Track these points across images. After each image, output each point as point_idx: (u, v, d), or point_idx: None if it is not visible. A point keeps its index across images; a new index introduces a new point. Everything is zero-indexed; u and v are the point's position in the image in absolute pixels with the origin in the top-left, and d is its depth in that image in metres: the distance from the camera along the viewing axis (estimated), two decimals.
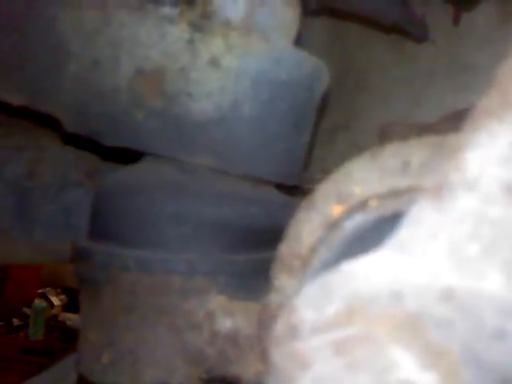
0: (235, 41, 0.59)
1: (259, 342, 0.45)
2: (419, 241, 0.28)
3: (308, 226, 0.41)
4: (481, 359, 0.26)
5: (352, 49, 0.99)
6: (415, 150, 0.38)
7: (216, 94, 0.59)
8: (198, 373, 0.53)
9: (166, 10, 0.59)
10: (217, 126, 0.59)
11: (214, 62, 0.58)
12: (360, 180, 0.40)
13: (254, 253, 0.58)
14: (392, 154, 0.39)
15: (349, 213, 0.40)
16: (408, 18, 0.87)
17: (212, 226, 0.58)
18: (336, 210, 0.40)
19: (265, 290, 0.44)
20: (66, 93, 0.62)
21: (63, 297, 3.16)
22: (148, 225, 0.58)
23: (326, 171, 0.42)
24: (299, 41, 0.64)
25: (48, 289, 3.18)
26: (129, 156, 0.66)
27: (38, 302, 3.09)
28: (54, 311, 3.11)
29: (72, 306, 2.98)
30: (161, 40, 0.59)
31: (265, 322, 0.43)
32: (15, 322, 3.02)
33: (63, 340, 2.80)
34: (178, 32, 0.58)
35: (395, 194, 0.39)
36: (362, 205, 0.40)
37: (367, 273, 0.29)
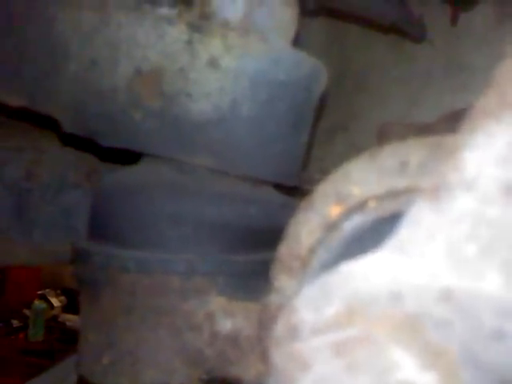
0: (234, 41, 0.59)
1: (259, 342, 0.45)
2: (418, 241, 0.28)
3: (307, 227, 0.41)
4: (479, 359, 0.26)
5: (350, 49, 0.99)
6: (413, 151, 0.38)
7: (215, 94, 0.59)
8: (198, 374, 0.54)
9: (164, 11, 0.59)
10: (216, 127, 0.59)
11: (213, 63, 0.58)
12: (358, 181, 0.40)
13: (253, 253, 0.58)
14: (390, 155, 0.39)
15: (347, 214, 0.40)
16: (406, 19, 0.88)
17: (211, 226, 0.58)
18: (335, 210, 0.40)
19: (264, 290, 0.44)
20: (64, 93, 0.62)
21: (63, 298, 3.15)
22: (147, 225, 0.58)
23: (325, 171, 0.42)
24: (297, 41, 0.64)
25: (48, 290, 3.18)
26: (127, 157, 0.66)
27: (37, 303, 3.08)
28: (54, 312, 3.11)
29: (72, 307, 2.97)
30: (159, 40, 0.59)
31: (265, 323, 0.43)
32: (15, 323, 3.02)
33: (63, 341, 2.80)
34: (177, 33, 0.59)
35: (393, 194, 0.39)
36: (361, 205, 0.40)
37: (366, 273, 0.29)
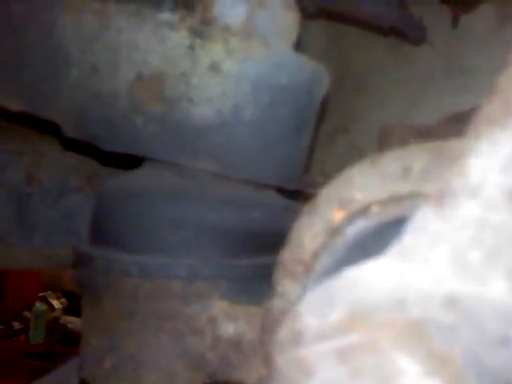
0: (235, 46, 0.59)
1: (262, 347, 0.45)
2: (422, 247, 0.28)
3: (310, 232, 0.41)
4: (484, 365, 0.26)
5: (350, 52, 0.99)
6: (416, 156, 0.38)
7: (216, 99, 0.59)
8: (200, 378, 0.53)
9: (166, 16, 0.59)
10: (217, 131, 0.59)
11: (215, 67, 0.58)
12: (361, 186, 0.40)
13: (255, 257, 0.58)
14: (393, 160, 0.39)
15: (350, 218, 0.40)
16: (406, 21, 0.88)
17: (213, 230, 0.58)
18: (338, 215, 0.40)
19: (267, 294, 0.44)
20: (65, 98, 0.62)
21: (64, 300, 3.15)
22: (149, 230, 0.58)
23: (326, 174, 0.42)
24: (298, 44, 0.64)
25: (48, 292, 3.18)
26: (129, 161, 0.66)
27: (38, 305, 3.08)
28: (55, 314, 3.10)
29: (73, 309, 2.97)
30: (160, 45, 0.59)
31: (268, 327, 0.43)
32: (16, 325, 3.01)
33: (64, 343, 2.80)
34: (178, 37, 0.59)
35: (396, 199, 0.39)
36: (364, 210, 0.40)
37: (370, 279, 0.29)
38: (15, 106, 0.65)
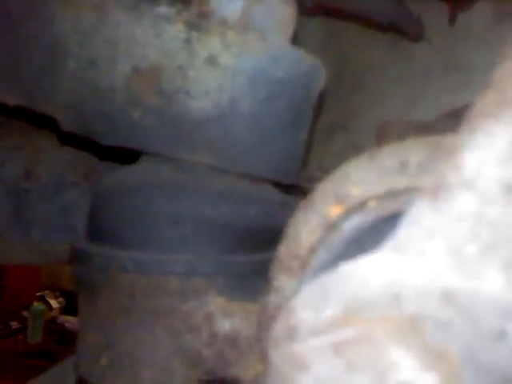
0: (232, 39, 0.59)
1: (258, 343, 0.45)
2: (417, 241, 0.28)
3: (307, 227, 0.41)
4: (480, 360, 0.26)
5: (348, 48, 0.99)
6: (413, 150, 0.38)
7: (214, 92, 0.59)
8: (197, 374, 0.53)
9: (163, 10, 0.59)
10: (215, 124, 0.59)
11: (212, 61, 0.58)
12: (358, 181, 0.40)
13: (252, 253, 0.58)
14: (390, 155, 0.39)
15: (347, 214, 0.40)
16: (404, 18, 0.87)
17: (210, 226, 0.58)
18: (334, 210, 0.40)
19: (264, 290, 0.43)
20: (63, 92, 0.62)
21: (62, 299, 3.15)
22: (146, 225, 0.58)
23: (324, 170, 0.42)
24: (296, 40, 0.64)
25: (46, 292, 3.18)
26: (127, 155, 0.66)
27: (36, 304, 3.08)
28: (53, 314, 3.11)
29: (71, 308, 2.97)
30: (157, 39, 0.59)
31: (264, 323, 0.42)
32: (14, 325, 3.01)
33: (62, 342, 2.80)
34: (175, 31, 0.59)
35: (393, 194, 0.39)
36: (361, 206, 0.40)
37: (366, 274, 0.28)
38: (13, 100, 0.65)
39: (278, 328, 0.31)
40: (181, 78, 0.59)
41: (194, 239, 0.57)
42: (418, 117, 0.90)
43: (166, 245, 0.57)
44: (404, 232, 0.28)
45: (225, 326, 0.51)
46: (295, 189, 0.66)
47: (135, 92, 0.59)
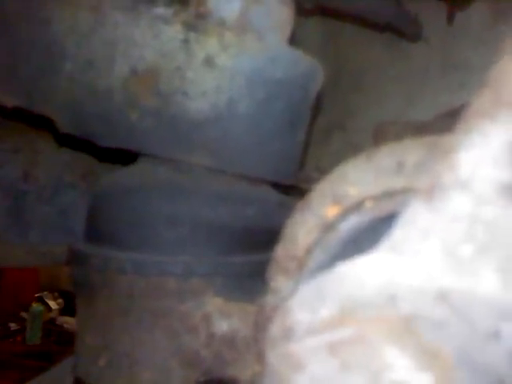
0: (230, 40, 0.59)
1: (256, 343, 0.45)
2: (412, 241, 0.28)
3: (304, 228, 0.41)
4: (475, 360, 0.26)
5: (346, 48, 0.99)
6: (410, 151, 0.38)
7: (211, 93, 0.59)
8: (195, 375, 0.53)
9: (160, 11, 0.59)
10: (213, 125, 0.59)
11: (209, 62, 0.58)
12: (355, 181, 0.40)
13: (250, 254, 0.58)
14: (387, 155, 0.39)
15: (344, 214, 0.40)
16: (402, 17, 0.87)
17: (209, 227, 0.58)
18: (331, 211, 0.40)
19: (261, 291, 0.43)
20: (60, 93, 0.62)
21: (60, 300, 3.15)
22: (144, 227, 0.58)
23: (322, 170, 0.42)
24: (294, 40, 0.64)
25: (45, 293, 3.17)
26: (125, 157, 0.66)
27: (35, 305, 3.08)
28: (52, 315, 3.10)
29: (69, 309, 2.97)
30: (155, 40, 0.59)
31: (261, 324, 0.42)
32: (12, 326, 3.01)
33: (61, 343, 2.80)
34: (173, 32, 0.59)
35: (390, 194, 0.39)
36: (358, 206, 0.40)
37: (361, 274, 0.29)
38: (11, 101, 0.65)
39: (275, 328, 0.31)
40: (178, 79, 0.59)
41: (191, 240, 0.57)
42: (416, 116, 0.90)
43: (164, 246, 0.57)
44: (399, 232, 0.28)
45: (222, 326, 0.51)
46: (293, 189, 0.66)
47: (133, 93, 0.59)
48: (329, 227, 0.40)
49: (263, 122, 0.61)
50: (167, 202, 0.59)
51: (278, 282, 0.42)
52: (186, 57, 0.59)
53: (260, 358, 0.42)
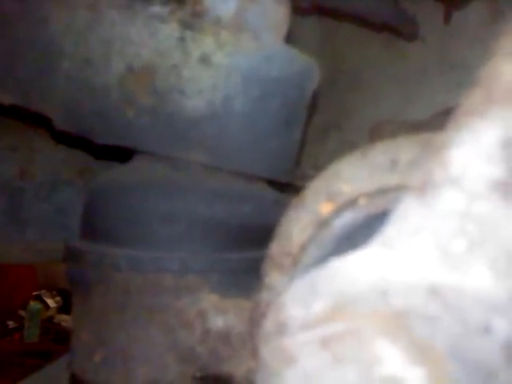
0: (226, 39, 0.59)
1: (251, 339, 0.45)
2: (404, 237, 0.28)
3: (298, 225, 0.42)
4: (467, 355, 0.26)
5: (343, 47, 0.99)
6: (404, 148, 0.39)
7: (207, 90, 0.59)
8: (190, 371, 0.54)
9: (156, 9, 0.60)
10: (209, 123, 0.60)
11: (205, 60, 0.59)
12: (349, 178, 0.40)
13: (246, 251, 0.58)
14: (381, 152, 0.39)
15: (338, 211, 0.40)
16: (399, 17, 0.88)
17: (205, 224, 0.58)
18: (325, 208, 0.40)
19: (257, 287, 0.44)
20: (57, 91, 0.62)
21: (58, 299, 3.14)
22: (140, 223, 0.58)
23: (319, 169, 0.42)
24: (290, 40, 0.65)
25: (43, 291, 3.17)
26: (121, 154, 0.66)
27: (33, 304, 3.07)
28: (50, 313, 3.10)
29: (67, 307, 2.96)
30: (151, 38, 0.59)
31: (256, 320, 0.43)
32: (10, 324, 3.00)
33: (59, 342, 2.79)
34: (169, 30, 0.59)
35: (384, 191, 0.39)
36: (352, 203, 0.40)
37: (354, 270, 0.29)
38: (8, 99, 0.65)
39: (269, 323, 0.31)
40: (175, 77, 0.59)
41: (187, 237, 0.58)
42: (413, 116, 0.91)
43: (160, 242, 0.58)
44: (392, 228, 0.29)
45: (218, 322, 0.51)
46: (289, 187, 0.66)
47: (129, 91, 0.60)
48: (323, 224, 0.41)
49: (259, 120, 0.61)
50: (163, 198, 0.59)
51: (273, 278, 0.42)
52: (182, 55, 0.59)
53: (255, 353, 0.43)
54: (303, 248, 0.41)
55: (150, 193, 0.60)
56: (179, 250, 0.57)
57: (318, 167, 0.42)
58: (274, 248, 0.42)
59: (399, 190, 0.38)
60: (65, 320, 2.95)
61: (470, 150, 0.27)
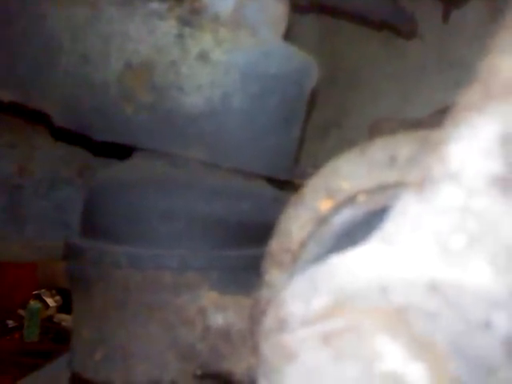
0: (224, 35, 0.59)
1: (251, 336, 0.45)
2: (404, 233, 0.28)
3: (298, 222, 0.42)
4: (468, 350, 0.26)
5: (342, 46, 0.99)
6: (402, 145, 0.39)
7: (206, 87, 0.59)
8: (191, 368, 0.54)
9: (155, 6, 0.60)
10: (207, 119, 0.60)
11: (204, 56, 0.59)
12: (348, 175, 0.40)
13: (245, 248, 0.58)
14: (379, 149, 0.40)
15: (337, 208, 0.40)
16: (398, 15, 0.88)
17: (204, 221, 0.58)
18: (325, 205, 0.40)
19: (256, 285, 0.44)
20: (56, 88, 0.63)
21: (58, 298, 3.14)
22: (140, 221, 0.59)
23: (318, 167, 0.42)
24: (289, 37, 0.65)
25: (43, 290, 3.17)
26: (120, 151, 0.66)
27: (32, 303, 3.07)
28: (49, 312, 3.10)
29: (67, 307, 2.96)
30: (150, 35, 0.59)
31: (256, 317, 0.43)
32: (10, 323, 3.00)
33: (59, 341, 2.79)
34: (167, 27, 0.59)
35: (383, 188, 0.39)
36: (351, 200, 0.40)
37: (354, 266, 0.29)
38: (7, 96, 0.65)
39: (269, 320, 0.31)
40: (173, 74, 0.59)
41: (187, 234, 0.58)
42: (411, 114, 0.91)
43: (160, 240, 0.58)
44: (391, 225, 0.29)
45: (218, 319, 0.51)
46: (288, 185, 0.66)
47: (128, 87, 0.60)
48: (322, 221, 0.41)
49: (257, 117, 0.61)
50: (163, 196, 0.59)
51: (273, 275, 0.42)
52: (181, 52, 0.59)
53: (255, 350, 0.43)
54: (303, 245, 0.41)
55: (149, 190, 0.60)
56: (178, 247, 0.57)
57: (318, 165, 0.42)
58: (274, 245, 0.43)
59: (398, 186, 0.38)
60: (64, 319, 2.95)
61: (469, 146, 0.27)
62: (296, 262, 0.41)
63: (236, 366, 0.50)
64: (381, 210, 0.38)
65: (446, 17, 0.91)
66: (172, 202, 0.59)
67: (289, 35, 0.65)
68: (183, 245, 0.57)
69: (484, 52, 0.30)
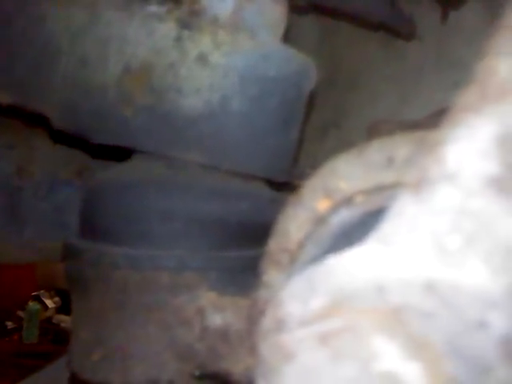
0: (223, 38, 0.59)
1: (249, 337, 0.45)
2: (401, 234, 0.28)
3: (296, 222, 0.42)
4: (464, 350, 0.26)
5: (341, 47, 1.00)
6: (400, 146, 0.39)
7: (205, 90, 0.59)
8: (188, 369, 0.54)
9: (154, 8, 0.60)
10: (206, 122, 0.60)
11: (202, 59, 0.59)
12: (346, 175, 0.40)
13: (243, 248, 0.58)
14: (377, 150, 0.40)
15: (335, 208, 0.40)
16: (396, 16, 0.88)
17: (202, 222, 0.59)
18: (322, 205, 0.41)
19: (254, 285, 0.44)
20: (55, 91, 0.63)
21: (57, 299, 3.14)
22: (138, 222, 0.59)
23: (317, 168, 0.42)
24: (288, 39, 0.65)
25: (42, 291, 3.16)
26: (119, 154, 0.66)
27: (31, 304, 3.07)
28: (48, 313, 3.09)
29: (66, 308, 2.96)
30: (148, 37, 0.59)
31: (254, 317, 0.43)
32: (9, 325, 3.00)
33: (58, 342, 2.79)
34: (166, 29, 0.59)
35: (380, 189, 0.39)
36: (348, 200, 0.40)
37: (351, 266, 0.29)
38: (6, 98, 0.65)
39: (267, 320, 0.31)
40: (172, 76, 0.59)
41: (185, 235, 0.58)
42: (410, 115, 0.91)
43: (158, 240, 0.58)
44: (388, 225, 0.29)
45: (216, 320, 0.52)
46: (287, 186, 0.66)
47: (127, 90, 0.60)
48: (320, 221, 0.41)
49: (256, 119, 0.61)
50: (161, 197, 0.59)
51: (271, 275, 0.42)
52: (180, 54, 0.59)
53: (253, 351, 0.43)
54: (300, 245, 0.41)
55: (147, 191, 0.60)
56: (177, 248, 0.57)
57: (317, 166, 0.42)
58: (272, 245, 0.43)
59: (395, 187, 0.38)
60: (64, 320, 2.95)
61: (466, 147, 0.27)
62: (294, 262, 0.41)
63: (234, 366, 0.50)
64: (378, 210, 0.39)
65: (444, 18, 0.91)
66: (170, 202, 0.59)
67: (287, 37, 0.65)
68: (181, 245, 0.57)
69: (481, 53, 0.30)
